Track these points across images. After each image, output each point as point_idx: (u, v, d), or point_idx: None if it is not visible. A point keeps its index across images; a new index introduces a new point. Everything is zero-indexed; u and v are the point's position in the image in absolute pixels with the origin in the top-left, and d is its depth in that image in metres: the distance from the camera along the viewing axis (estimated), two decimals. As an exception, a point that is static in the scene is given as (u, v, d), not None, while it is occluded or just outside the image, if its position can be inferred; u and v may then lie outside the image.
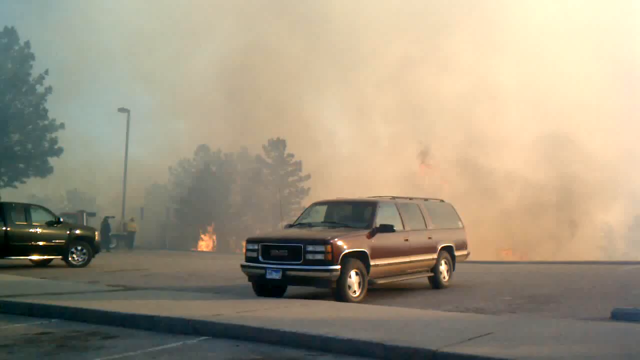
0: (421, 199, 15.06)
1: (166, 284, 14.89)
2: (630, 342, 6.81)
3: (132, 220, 44.21)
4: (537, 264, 27.18)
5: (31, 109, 49.17)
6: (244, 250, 12.32)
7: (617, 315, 9.21)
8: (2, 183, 48.68)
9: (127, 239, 43.48)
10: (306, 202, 59.09)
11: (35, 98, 49.28)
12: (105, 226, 38.59)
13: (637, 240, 62.17)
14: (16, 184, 49.68)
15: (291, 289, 12.43)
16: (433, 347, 6.42)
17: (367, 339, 6.93)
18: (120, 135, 49.03)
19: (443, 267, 14.19)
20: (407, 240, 13.02)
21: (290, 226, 13.66)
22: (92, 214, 43.91)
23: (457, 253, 14.75)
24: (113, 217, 46.85)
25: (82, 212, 43.96)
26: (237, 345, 7.28)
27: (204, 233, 62.89)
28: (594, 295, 12.73)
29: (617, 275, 18.78)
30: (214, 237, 63.34)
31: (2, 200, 30.25)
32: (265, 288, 11.87)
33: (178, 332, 8.08)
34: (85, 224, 37.38)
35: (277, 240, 11.83)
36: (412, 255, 13.12)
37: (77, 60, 77.94)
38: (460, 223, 15.53)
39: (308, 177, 65.26)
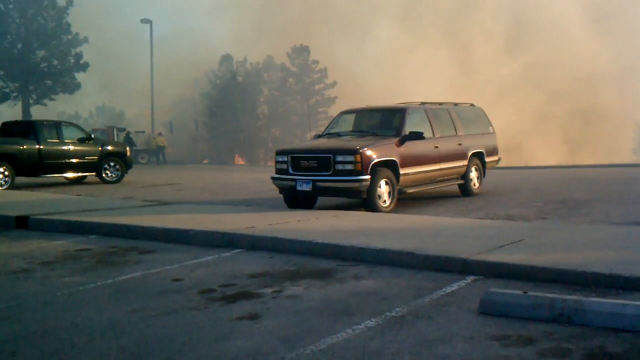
0: (451, 103, 14.82)
1: (199, 198, 15.14)
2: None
3: (160, 134, 44.52)
4: (568, 168, 27.00)
5: (54, 23, 48.84)
6: (273, 162, 12.39)
7: (650, 219, 9.16)
8: (31, 101, 49.11)
9: (157, 154, 43.91)
10: (333, 111, 58.83)
11: (57, 12, 48.81)
12: (127, 140, 38.85)
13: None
14: (45, 101, 50.06)
15: (321, 199, 12.54)
16: (464, 255, 6.47)
17: (398, 248, 7.00)
18: (145, 48, 48.65)
19: (473, 174, 14.14)
20: (436, 147, 12.93)
21: (319, 136, 13.64)
22: (122, 129, 44.33)
23: (487, 159, 14.63)
24: (143, 131, 47.21)
25: (112, 127, 44.38)
26: (271, 257, 7.43)
27: (234, 146, 63.14)
28: (626, 199, 12.65)
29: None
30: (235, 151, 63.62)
31: (33, 119, 30.60)
32: (296, 199, 11.99)
33: (213, 245, 8.26)
34: (115, 139, 37.76)
35: (306, 152, 11.83)
36: (442, 163, 13.06)
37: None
38: (491, 128, 15.32)
39: (334, 84, 64.57)
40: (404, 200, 12.79)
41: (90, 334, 4.77)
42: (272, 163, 16.80)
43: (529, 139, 53.57)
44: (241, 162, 60.87)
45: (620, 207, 11.41)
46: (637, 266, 5.77)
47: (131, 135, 41.26)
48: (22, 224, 10.35)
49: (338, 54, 63.69)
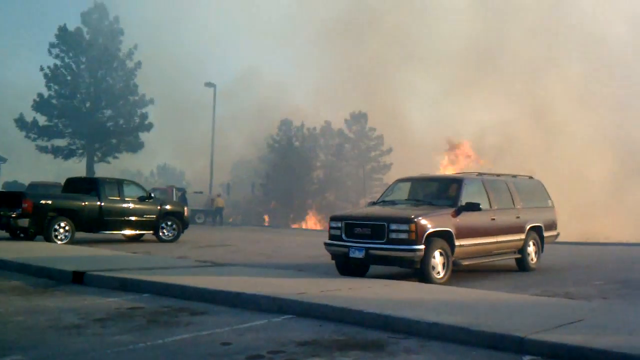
0: (509, 175, 14.66)
1: (252, 260, 15.19)
2: None
3: (218, 195, 45.26)
4: (629, 246, 26.10)
5: (122, 84, 50.95)
6: (327, 228, 12.38)
7: None
8: (96, 159, 50.80)
9: (215, 214, 44.54)
10: (388, 178, 58.85)
11: (125, 73, 50.92)
12: (182, 200, 39.50)
13: None
14: (109, 159, 51.71)
15: (374, 268, 12.41)
16: (521, 334, 6.26)
17: (451, 322, 6.83)
18: (208, 110, 50.03)
19: (531, 249, 13.80)
20: (493, 219, 12.72)
21: (374, 203, 13.60)
22: (181, 189, 45.21)
23: (546, 234, 14.29)
24: (201, 192, 48.06)
25: (172, 187, 45.32)
26: (320, 325, 7.33)
27: (289, 209, 63.52)
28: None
29: None
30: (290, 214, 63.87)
31: (96, 176, 31.57)
32: (348, 266, 11.90)
33: (263, 309, 8.22)
34: (174, 199, 38.51)
35: (361, 219, 11.79)
36: (499, 236, 12.80)
37: (164, 34, 79.92)
38: (550, 202, 15.03)
39: (390, 150, 64.82)
40: (458, 273, 12.53)
41: (137, 395, 4.76)
42: (323, 228, 16.75)
43: (598, 208, 52.00)
44: (296, 225, 61.03)
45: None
46: None
47: (186, 195, 41.99)
48: (78, 279, 10.55)
49: (396, 121, 64.16)
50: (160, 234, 20.66)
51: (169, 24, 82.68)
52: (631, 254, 19.52)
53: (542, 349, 6.00)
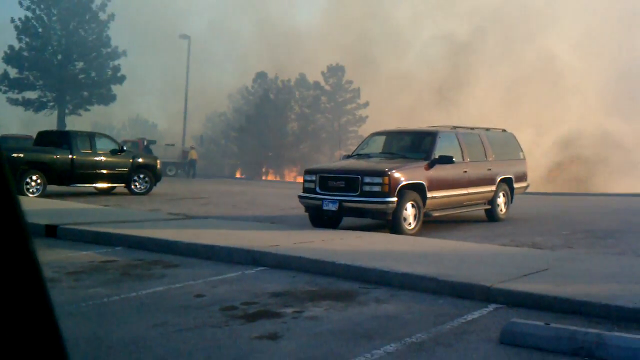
0: (483, 128, 14.79)
1: (225, 212, 15.26)
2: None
3: (192, 148, 44.91)
4: (594, 196, 26.63)
5: (94, 36, 49.98)
6: (301, 180, 12.46)
7: (680, 253, 9.01)
8: (67, 111, 50.09)
9: (188, 167, 44.30)
10: (364, 130, 58.88)
11: (98, 26, 49.91)
12: (146, 151, 38.94)
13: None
14: (80, 111, 51.01)
15: (347, 219, 12.55)
16: (487, 283, 6.43)
17: (421, 273, 6.98)
18: (181, 62, 49.32)
19: (501, 200, 14.05)
20: (466, 171, 12.89)
21: (348, 157, 13.69)
22: (152, 142, 44.76)
23: (516, 185, 14.55)
24: (173, 144, 47.70)
25: (142, 139, 44.88)
26: (294, 277, 7.45)
27: (261, 161, 63.51)
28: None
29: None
30: (263, 166, 63.86)
31: (68, 129, 31.15)
32: (321, 219, 12.03)
33: (237, 261, 8.31)
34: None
35: (335, 172, 11.88)
36: (470, 188, 13.01)
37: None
38: (521, 154, 15.25)
39: (366, 104, 64.70)
40: (429, 224, 12.74)
41: (111, 346, 4.84)
42: (300, 179, 16.82)
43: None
44: (270, 177, 61.10)
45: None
46: (663, 302, 5.68)
47: (151, 147, 41.39)
48: (51, 232, 10.53)
49: (373, 75, 63.80)
50: (133, 187, 20.60)
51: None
52: (598, 204, 19.95)
53: (508, 297, 6.17)
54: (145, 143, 42.16)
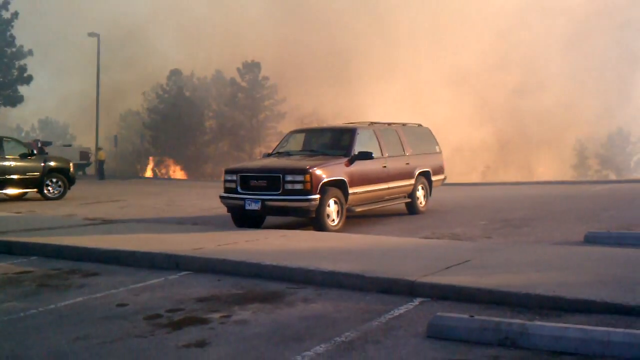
0: (399, 124, 15.03)
1: (144, 215, 14.90)
2: (601, 268, 6.99)
3: (100, 149, 43.18)
4: (510, 185, 27.59)
5: (-3, 35, 47.71)
6: (222, 179, 12.31)
7: (590, 239, 9.43)
8: (-29, 114, 47.67)
9: (97, 169, 42.58)
10: (282, 127, 58.81)
11: (1, 24, 47.76)
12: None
13: (611, 158, 63.12)
14: (-14, 114, 48.64)
15: (270, 218, 12.49)
16: (412, 277, 6.53)
17: (346, 270, 7.02)
18: (92, 60, 47.74)
19: (420, 193, 14.32)
20: (385, 166, 13.06)
21: (269, 155, 13.62)
22: (48, 143, 42.61)
23: (434, 178, 14.85)
24: (70, 145, 46.02)
25: (36, 141, 42.83)
26: (219, 280, 7.35)
27: (180, 160, 62.54)
28: (567, 218, 12.98)
29: (591, 195, 19.16)
30: (181, 166, 62.97)
31: (-27, 133, 29.60)
32: (244, 218, 11.92)
33: (159, 267, 8.13)
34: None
35: (256, 171, 11.80)
36: (390, 182, 13.20)
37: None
38: (437, 147, 15.57)
39: (284, 100, 64.59)
40: (351, 219, 12.84)
41: (30, 364, 4.63)
42: (216, 179, 16.57)
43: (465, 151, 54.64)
44: (182, 177, 60.12)
45: (561, 225, 11.70)
46: (578, 288, 5.92)
47: (44, 149, 39.38)
48: (-40, 244, 9.99)
49: (289, 70, 63.70)
50: (45, 191, 19.83)
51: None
52: (514, 193, 20.65)
53: (432, 290, 6.30)
54: (39, 145, 40.23)
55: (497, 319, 5.05)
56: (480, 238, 10.39)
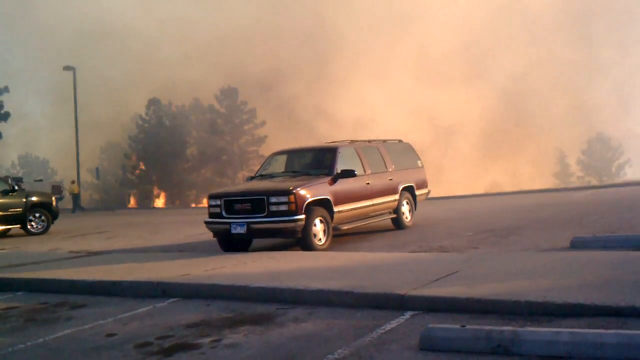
0: (380, 140, 15.09)
1: (129, 245, 14.79)
2: (589, 272, 7.02)
3: (72, 182, 42.40)
4: (494, 196, 27.76)
5: (-28, 74, 47.49)
6: (206, 205, 12.25)
7: (577, 244, 9.47)
8: (-51, 153, 47.27)
9: (73, 202, 41.79)
10: (264, 150, 58.82)
11: (-24, 62, 47.56)
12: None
13: (591, 164, 63.80)
14: (-36, 153, 48.27)
15: (257, 240, 12.45)
16: (401, 291, 6.52)
17: (336, 288, 7.00)
18: (69, 94, 47.52)
19: (405, 208, 14.34)
20: (368, 183, 13.09)
21: (252, 178, 13.61)
22: (18, 179, 41.91)
23: (417, 192, 14.89)
24: (41, 179, 45.50)
25: (6, 177, 42.30)
26: (208, 305, 7.29)
27: (162, 189, 62.25)
28: (552, 225, 13.06)
29: (574, 201, 19.32)
30: (164, 194, 62.67)
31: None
32: (231, 242, 11.86)
33: (147, 295, 8.05)
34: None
35: (240, 194, 11.76)
36: (375, 198, 13.22)
37: (15, 18, 75.12)
38: (419, 162, 15.63)
39: (263, 123, 64.67)
40: (338, 237, 12.84)
41: (20, 400, 4.55)
42: (201, 205, 16.46)
43: (446, 164, 54.99)
44: (162, 205, 59.76)
45: (546, 232, 11.77)
46: (567, 292, 5.94)
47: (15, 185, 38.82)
48: (-57, 284, 9.84)
49: (267, 94, 63.88)
50: (29, 226, 19.64)
51: (19, 6, 77.31)
52: (498, 204, 20.76)
53: (422, 303, 6.29)
54: (9, 181, 39.65)
55: (488, 327, 5.05)
56: (467, 249, 10.41)
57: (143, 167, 61.95)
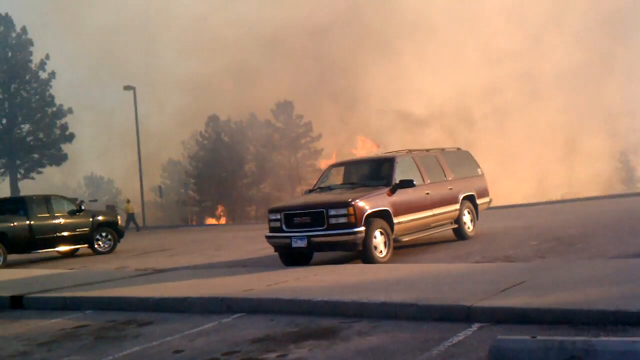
0: (438, 149, 14.93)
1: (193, 262, 15.01)
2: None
3: (128, 202, 43.13)
4: (558, 204, 27.09)
5: (37, 96, 49.40)
6: (267, 220, 12.33)
7: (648, 250, 9.15)
8: (19, 176, 49.09)
9: (127, 222, 42.29)
10: (321, 163, 59.05)
11: (40, 85, 49.34)
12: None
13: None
14: (33, 174, 50.07)
15: (318, 254, 12.44)
16: (467, 303, 6.41)
17: (400, 300, 6.93)
18: (129, 113, 48.77)
19: (466, 217, 14.11)
20: (428, 193, 12.94)
21: (310, 191, 13.63)
22: (74, 200, 43.03)
23: (479, 201, 14.63)
24: (95, 200, 46.43)
25: (75, 199, 43.28)
26: (272, 320, 7.32)
27: (223, 205, 63.08)
28: (620, 232, 12.65)
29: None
30: (225, 210, 63.41)
31: (22, 194, 30.39)
32: (292, 256, 11.90)
33: (212, 311, 8.13)
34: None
35: (299, 208, 11.80)
36: (435, 209, 13.05)
37: (77, 40, 77.77)
38: (479, 170, 15.38)
39: (319, 136, 65.00)
40: (400, 249, 12.73)
41: (94, 416, 4.64)
42: (262, 221, 16.57)
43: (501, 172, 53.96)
44: (223, 221, 60.47)
45: (615, 239, 11.41)
46: (642, 301, 5.73)
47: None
48: (17, 303, 10.19)
49: (322, 107, 64.21)
50: (96, 246, 20.13)
51: (78, 28, 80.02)
52: (560, 212, 20.25)
53: (490, 314, 6.16)
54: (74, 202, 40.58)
55: (560, 338, 4.88)
56: (533, 258, 10.17)
57: (203, 185, 62.96)
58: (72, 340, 7.38)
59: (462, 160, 15.12)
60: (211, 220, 61.38)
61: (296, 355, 5.71)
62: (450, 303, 6.54)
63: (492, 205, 16.48)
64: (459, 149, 15.75)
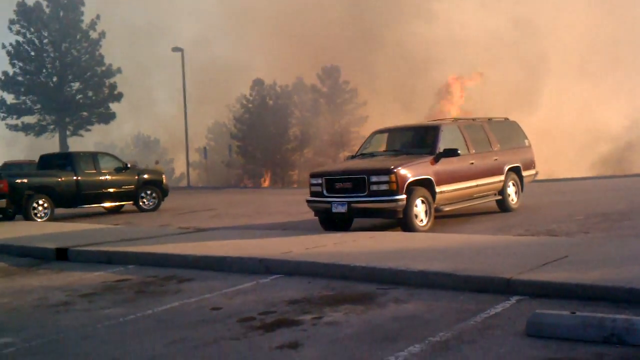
0: (485, 118, 14.66)
1: (234, 222, 15.17)
2: None
3: (156, 163, 43.29)
4: (607, 179, 26.46)
5: (87, 55, 50.12)
6: (308, 185, 12.35)
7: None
8: (68, 133, 50.17)
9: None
10: (365, 130, 58.66)
11: (90, 45, 50.02)
12: None
13: None
14: (81, 132, 51.10)
15: (358, 220, 12.43)
16: (507, 275, 6.32)
17: (438, 269, 6.88)
18: (177, 75, 49.14)
19: (511, 189, 13.89)
20: (472, 163, 12.76)
21: (353, 157, 13.56)
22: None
23: (524, 173, 14.37)
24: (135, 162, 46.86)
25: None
26: (309, 282, 7.36)
27: (266, 169, 63.39)
28: (671, 209, 12.30)
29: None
30: (269, 174, 63.67)
31: (70, 150, 31.06)
32: (332, 221, 11.92)
33: (251, 271, 8.21)
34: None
35: (341, 173, 11.77)
36: (479, 179, 12.86)
37: (127, 1, 78.39)
38: (526, 141, 15.06)
39: (364, 103, 64.50)
40: (441, 219, 12.62)
41: (131, 367, 4.75)
42: (304, 185, 16.61)
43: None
44: (266, 184, 60.77)
45: (665, 217, 11.10)
46: (688, 281, 5.57)
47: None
48: (62, 255, 10.47)
49: (369, 74, 63.59)
50: (141, 203, 20.51)
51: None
52: (608, 187, 19.78)
53: (529, 288, 6.07)
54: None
55: (600, 315, 4.79)
56: (577, 233, 9.98)
57: (247, 148, 63.31)
58: (114, 293, 7.55)
59: (509, 130, 14.82)
60: (254, 183, 61.76)
61: (331, 318, 5.73)
62: (490, 274, 6.46)
63: (538, 178, 16.19)
64: (506, 118, 15.43)
